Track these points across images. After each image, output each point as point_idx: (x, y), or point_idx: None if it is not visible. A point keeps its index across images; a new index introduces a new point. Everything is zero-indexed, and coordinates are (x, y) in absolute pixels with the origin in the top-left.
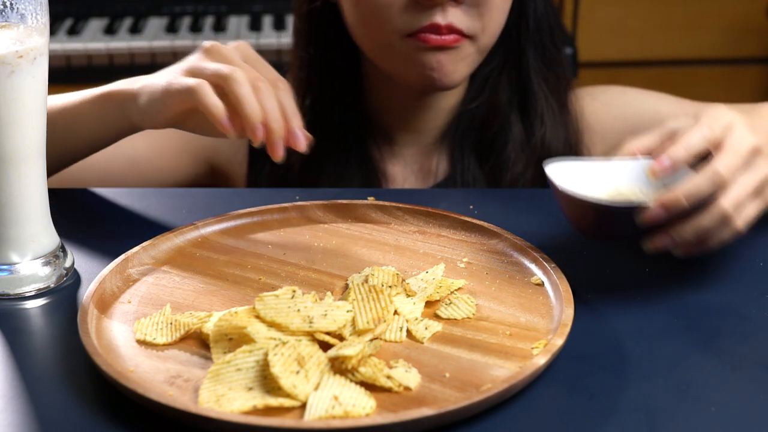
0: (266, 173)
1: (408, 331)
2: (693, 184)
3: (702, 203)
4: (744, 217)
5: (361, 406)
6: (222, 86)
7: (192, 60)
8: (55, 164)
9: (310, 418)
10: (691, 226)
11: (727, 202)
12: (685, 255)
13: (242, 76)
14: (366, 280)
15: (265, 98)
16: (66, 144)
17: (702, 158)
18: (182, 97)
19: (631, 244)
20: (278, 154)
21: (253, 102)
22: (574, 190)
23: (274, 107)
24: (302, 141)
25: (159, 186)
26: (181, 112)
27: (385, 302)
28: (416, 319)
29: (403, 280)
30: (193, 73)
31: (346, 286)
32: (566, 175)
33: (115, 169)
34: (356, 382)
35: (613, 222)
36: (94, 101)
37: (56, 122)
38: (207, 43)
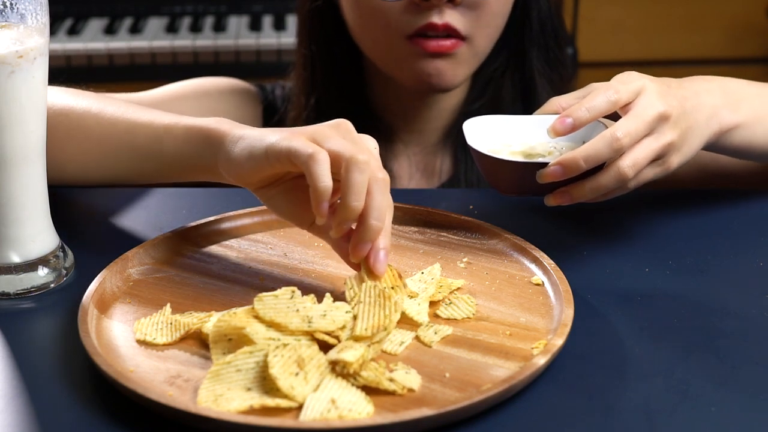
0: None
1: (417, 336)
2: (592, 147)
3: (601, 164)
4: (640, 179)
5: (358, 411)
6: (339, 166)
7: (317, 127)
8: (124, 179)
9: (305, 419)
10: (589, 185)
11: (625, 163)
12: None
13: (366, 164)
14: (363, 280)
15: (378, 192)
16: (146, 160)
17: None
18: (292, 158)
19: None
20: (359, 256)
21: (362, 197)
22: (481, 146)
23: (382, 205)
24: (382, 264)
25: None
26: (276, 175)
27: (389, 310)
28: (427, 324)
29: (401, 277)
30: (316, 139)
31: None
32: (484, 131)
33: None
34: (358, 386)
35: (516, 177)
36: (187, 131)
37: (138, 135)
38: (338, 120)
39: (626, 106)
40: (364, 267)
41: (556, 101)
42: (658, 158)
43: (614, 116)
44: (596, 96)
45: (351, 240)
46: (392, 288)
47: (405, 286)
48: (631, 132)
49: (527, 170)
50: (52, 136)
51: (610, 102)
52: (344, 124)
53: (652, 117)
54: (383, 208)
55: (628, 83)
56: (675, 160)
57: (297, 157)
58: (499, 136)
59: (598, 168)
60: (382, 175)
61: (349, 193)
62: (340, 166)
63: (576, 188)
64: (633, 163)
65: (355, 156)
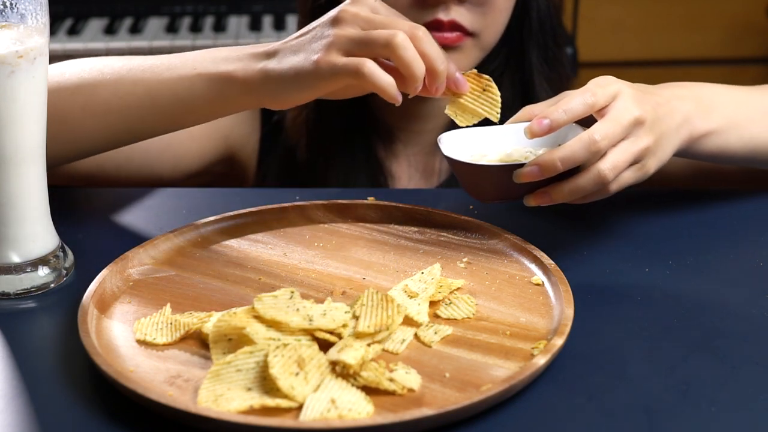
0: (275, 169)
1: (416, 336)
2: (569, 148)
3: (579, 166)
4: (619, 182)
5: (357, 411)
6: (386, 56)
7: (336, 33)
8: (154, 132)
9: (305, 419)
10: (568, 186)
11: (605, 165)
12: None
13: (404, 39)
14: (454, 101)
15: (426, 45)
16: (174, 117)
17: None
18: (341, 78)
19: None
20: (442, 91)
21: (419, 61)
22: (456, 154)
23: (438, 50)
24: (463, 83)
25: (186, 170)
26: (331, 90)
27: (392, 311)
28: (427, 324)
29: (480, 75)
30: (346, 49)
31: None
32: (460, 143)
33: (153, 150)
34: (358, 386)
35: (496, 181)
36: (211, 82)
37: (161, 97)
38: (340, 11)
39: (602, 110)
40: (449, 94)
41: (530, 109)
42: (636, 162)
43: (589, 122)
44: (573, 98)
45: (429, 86)
46: (483, 90)
47: (490, 80)
48: (608, 135)
49: (506, 173)
50: (69, 114)
51: (586, 105)
52: (347, 15)
53: (629, 121)
54: (435, 50)
55: (604, 87)
56: (652, 165)
57: (349, 77)
58: (474, 146)
59: (576, 170)
60: (416, 29)
61: (409, 67)
62: (384, 55)
63: (555, 189)
64: (613, 165)
65: (393, 42)
